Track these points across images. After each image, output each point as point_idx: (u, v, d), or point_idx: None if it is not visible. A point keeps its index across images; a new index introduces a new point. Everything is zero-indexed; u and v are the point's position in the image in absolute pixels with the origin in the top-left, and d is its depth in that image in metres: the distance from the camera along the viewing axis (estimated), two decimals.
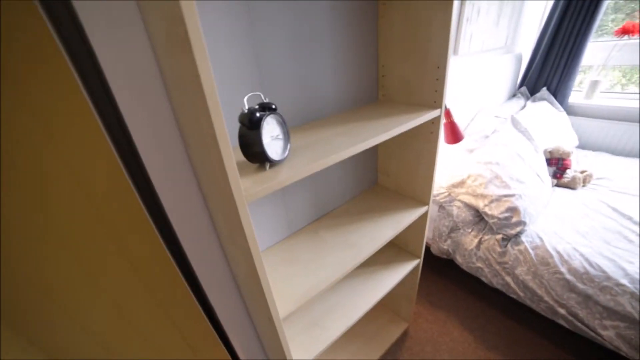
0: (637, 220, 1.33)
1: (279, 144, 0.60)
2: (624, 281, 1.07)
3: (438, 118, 0.94)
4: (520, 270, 1.29)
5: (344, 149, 0.66)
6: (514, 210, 1.28)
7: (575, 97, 2.17)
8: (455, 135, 1.24)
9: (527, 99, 2.20)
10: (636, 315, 1.03)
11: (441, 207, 1.51)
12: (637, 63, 1.94)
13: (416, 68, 0.93)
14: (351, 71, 0.95)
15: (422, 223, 1.17)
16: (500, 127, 1.70)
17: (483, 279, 1.45)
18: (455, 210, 1.45)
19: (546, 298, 1.23)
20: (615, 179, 1.68)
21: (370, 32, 0.95)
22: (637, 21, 1.86)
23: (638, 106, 1.90)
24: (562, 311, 1.20)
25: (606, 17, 2.05)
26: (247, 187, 0.54)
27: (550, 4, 2.00)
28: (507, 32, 1.85)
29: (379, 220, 1.04)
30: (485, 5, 1.50)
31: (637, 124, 1.89)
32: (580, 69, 2.14)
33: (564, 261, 1.19)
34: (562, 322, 1.23)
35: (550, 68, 2.09)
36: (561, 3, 1.91)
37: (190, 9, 0.35)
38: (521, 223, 1.28)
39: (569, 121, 2.08)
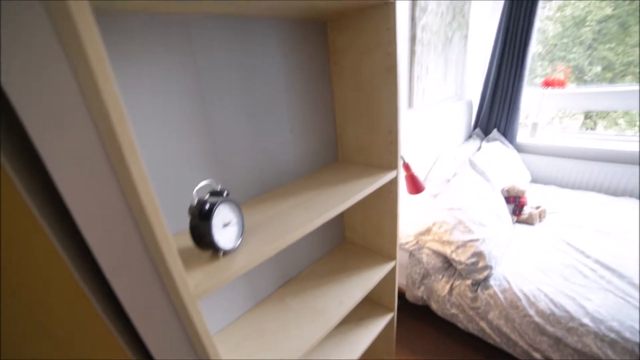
0: (589, 254, 1.41)
1: (233, 230, 0.59)
2: (586, 320, 1.11)
3: (395, 179, 0.98)
4: (492, 315, 1.30)
5: (301, 226, 0.66)
6: (479, 255, 1.32)
7: (523, 135, 2.37)
8: (416, 187, 1.29)
9: (482, 139, 2.38)
10: (603, 357, 1.05)
11: (411, 254, 1.53)
12: (563, 109, 2.19)
13: (370, 131, 0.98)
14: (310, 134, 0.98)
15: (392, 277, 1.17)
16: (460, 170, 1.81)
17: (459, 324, 1.44)
18: (424, 258, 1.47)
19: (520, 343, 1.24)
20: (565, 212, 1.80)
21: (326, 94, 1.00)
22: (558, 74, 2.14)
23: (577, 145, 2.11)
24: (538, 355, 1.20)
25: (534, 64, 2.34)
26: (197, 282, 0.52)
27: (489, 55, 2.25)
28: (455, 83, 2.04)
29: (347, 281, 1.03)
30: (432, 65, 1.66)
31: (578, 160, 2.08)
32: (523, 110, 2.39)
33: (531, 303, 1.22)
34: None
35: (497, 111, 2.29)
36: (497, 55, 2.15)
37: (121, 120, 0.36)
38: (487, 267, 1.31)
39: (519, 158, 2.25)
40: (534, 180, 2.30)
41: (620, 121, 2.27)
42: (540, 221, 1.76)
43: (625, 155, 1.94)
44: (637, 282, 1.23)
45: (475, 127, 2.46)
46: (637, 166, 1.88)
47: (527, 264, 1.41)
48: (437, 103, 1.85)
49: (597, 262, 1.37)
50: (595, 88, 2.16)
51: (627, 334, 1.04)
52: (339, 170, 1.02)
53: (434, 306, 1.51)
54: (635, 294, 1.19)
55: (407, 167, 1.26)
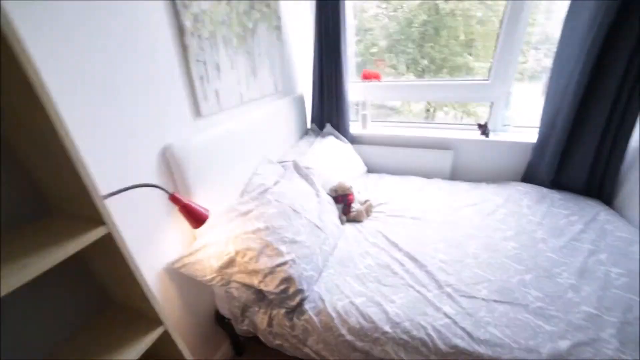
0: (402, 247, 1.45)
1: None
2: (387, 327, 1.08)
3: (108, 235, 0.68)
4: (311, 341, 1.18)
5: None
6: (289, 280, 1.17)
7: (355, 128, 2.43)
8: (195, 218, 1.04)
9: (318, 134, 2.33)
10: (396, 359, 1.03)
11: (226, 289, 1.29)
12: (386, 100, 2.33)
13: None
14: None
15: (168, 344, 0.89)
16: (283, 176, 1.65)
17: (287, 353, 1.29)
18: (235, 292, 1.25)
19: None
20: (391, 202, 1.88)
21: None
22: (373, 69, 2.23)
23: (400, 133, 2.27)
24: None
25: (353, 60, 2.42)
26: None
27: (310, 52, 2.17)
28: (272, 79, 1.86)
29: None
30: (225, 61, 1.40)
31: (401, 148, 2.23)
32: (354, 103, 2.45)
33: (344, 321, 1.13)
34: None
35: (327, 105, 2.26)
36: (317, 48, 2.09)
37: None
38: (299, 292, 1.17)
39: (354, 151, 2.29)
40: (371, 170, 2.39)
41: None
42: (368, 216, 1.78)
43: (440, 141, 2.16)
44: (431, 269, 1.30)
45: (311, 122, 2.39)
46: (450, 151, 2.11)
47: (347, 271, 1.35)
48: (246, 103, 1.63)
49: (407, 254, 1.41)
50: (406, 81, 2.35)
51: (414, 332, 1.04)
52: (31, 232, 0.65)
53: (261, 338, 1.32)
54: (429, 283, 1.24)
55: (174, 198, 0.98)
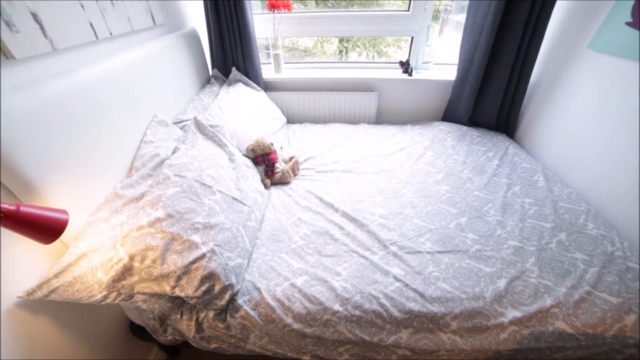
0: (337, 206, 1.30)
1: None
2: (337, 306, 0.94)
3: None
4: (254, 338, 0.99)
5: None
6: (211, 277, 0.90)
7: (268, 72, 2.05)
8: (40, 228, 0.65)
9: (223, 82, 1.89)
10: (352, 337, 0.93)
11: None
12: (299, 35, 1.97)
13: None
14: None
15: None
16: (184, 140, 1.27)
17: (229, 353, 1.09)
18: (144, 305, 0.94)
19: (289, 354, 1.01)
20: (318, 155, 1.69)
21: None
22: None
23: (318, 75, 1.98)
24: (307, 358, 1.01)
25: None
26: None
27: None
28: (147, 6, 1.32)
29: None
30: None
31: (323, 93, 1.98)
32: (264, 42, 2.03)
33: (287, 309, 0.96)
34: None
35: (229, 45, 1.80)
36: None
37: None
38: (227, 289, 0.93)
39: (269, 99, 1.95)
40: (291, 121, 2.12)
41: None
42: (295, 176, 1.55)
43: (363, 82, 1.96)
44: (372, 228, 1.19)
45: (213, 67, 1.92)
46: (375, 93, 1.94)
47: (281, 247, 1.15)
48: (106, 41, 1.12)
49: (344, 215, 1.27)
50: (321, 12, 2.01)
51: (367, 305, 0.94)
52: None
53: (193, 345, 1.08)
54: (373, 244, 1.14)
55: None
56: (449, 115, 1.93)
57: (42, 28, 0.87)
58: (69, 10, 0.97)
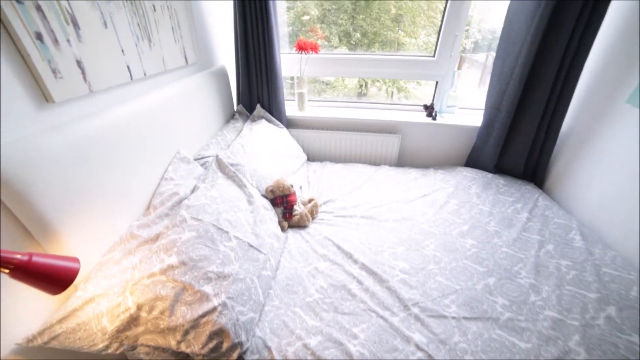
0: (357, 257, 1.24)
1: None
2: None
3: None
4: None
5: None
6: (220, 333, 0.85)
7: (291, 109, 2.08)
8: (49, 280, 0.63)
9: (247, 118, 1.93)
10: None
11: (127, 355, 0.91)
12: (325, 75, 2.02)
13: None
14: None
15: None
16: (204, 179, 1.26)
17: None
18: (147, 358, 0.88)
19: None
20: (339, 196, 1.65)
21: None
22: (308, 38, 1.88)
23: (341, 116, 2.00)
24: None
25: (283, 29, 2.03)
26: None
27: (230, 12, 1.70)
28: (181, 47, 1.38)
29: None
30: (89, 15, 0.91)
31: (346, 132, 1.98)
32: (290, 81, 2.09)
33: None
34: None
35: (256, 81, 1.86)
36: (239, 11, 1.63)
37: None
38: (236, 347, 0.87)
39: (290, 137, 1.96)
40: (311, 158, 2.12)
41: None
42: (313, 219, 1.51)
43: (386, 125, 1.95)
44: (393, 284, 1.12)
45: (238, 103, 1.97)
46: (398, 135, 1.92)
47: (296, 300, 1.09)
48: (140, 81, 1.17)
49: (363, 267, 1.20)
50: (348, 54, 2.06)
51: None
52: None
53: None
54: (393, 304, 1.06)
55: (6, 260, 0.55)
56: (473, 161, 1.87)
57: (83, 73, 0.91)
58: (112, 54, 1.01)
